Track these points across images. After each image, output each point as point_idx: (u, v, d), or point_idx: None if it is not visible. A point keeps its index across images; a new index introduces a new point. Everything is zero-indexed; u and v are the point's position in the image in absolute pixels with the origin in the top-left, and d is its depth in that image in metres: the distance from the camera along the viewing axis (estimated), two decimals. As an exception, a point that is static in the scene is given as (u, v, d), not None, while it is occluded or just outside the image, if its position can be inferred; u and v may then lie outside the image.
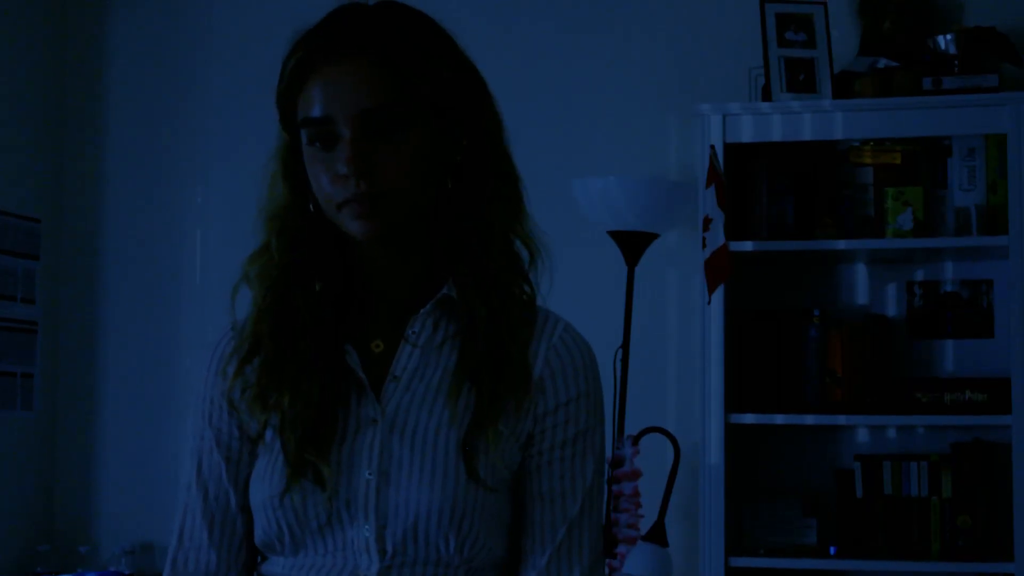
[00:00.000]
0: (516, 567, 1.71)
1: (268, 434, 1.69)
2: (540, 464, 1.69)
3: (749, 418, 3.89)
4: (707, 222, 3.74)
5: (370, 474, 1.64)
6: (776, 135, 3.90)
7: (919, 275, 4.11)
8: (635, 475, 3.84)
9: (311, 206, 1.68)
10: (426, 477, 1.63)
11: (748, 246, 3.92)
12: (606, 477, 3.81)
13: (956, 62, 3.87)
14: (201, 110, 4.63)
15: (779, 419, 3.91)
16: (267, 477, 1.67)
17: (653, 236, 3.99)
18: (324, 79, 1.63)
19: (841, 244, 3.91)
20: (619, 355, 3.93)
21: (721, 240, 3.72)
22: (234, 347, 1.73)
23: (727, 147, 3.88)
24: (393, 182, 1.62)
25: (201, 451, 1.74)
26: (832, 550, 3.89)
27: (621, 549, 3.81)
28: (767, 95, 3.95)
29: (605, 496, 1.78)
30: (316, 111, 1.62)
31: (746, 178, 4.01)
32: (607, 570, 3.81)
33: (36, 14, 4.66)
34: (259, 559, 1.75)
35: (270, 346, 1.68)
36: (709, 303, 3.83)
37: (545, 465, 1.69)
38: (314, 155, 1.64)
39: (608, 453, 3.83)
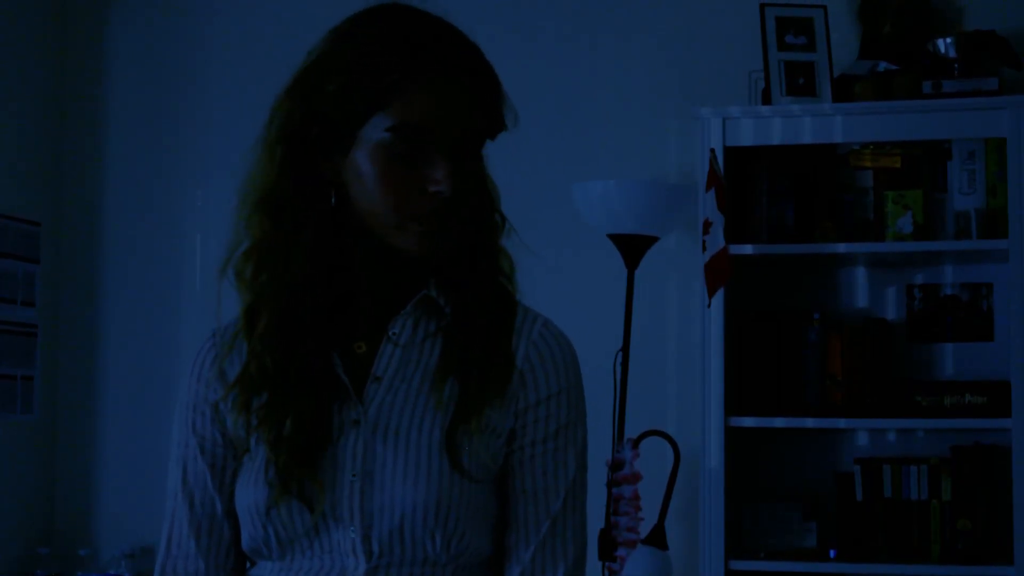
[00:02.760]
0: (503, 566, 1.71)
1: (252, 440, 1.68)
2: (522, 460, 1.69)
3: (749, 421, 3.89)
4: (707, 225, 3.74)
5: (354, 476, 1.64)
6: (776, 138, 3.90)
7: (919, 278, 4.11)
8: (635, 478, 3.84)
9: (333, 199, 1.65)
10: (410, 476, 1.63)
11: (748, 249, 3.92)
12: (606, 480, 3.81)
13: (956, 65, 3.87)
14: (201, 113, 4.63)
15: (779, 422, 3.91)
16: (251, 484, 1.67)
17: (653, 239, 3.99)
18: (437, 90, 1.61)
19: (841, 247, 3.91)
20: (619, 358, 3.93)
21: (721, 243, 3.72)
22: (216, 354, 1.74)
23: (727, 150, 3.88)
24: (463, 203, 1.64)
25: (186, 459, 1.74)
26: (832, 553, 3.89)
27: (621, 552, 3.81)
28: (767, 98, 3.95)
29: (590, 492, 1.77)
30: (421, 119, 1.60)
31: (746, 181, 4.02)
32: (607, 573, 3.80)
33: (36, 17, 4.66)
34: (248, 564, 1.75)
35: (267, 355, 1.66)
36: (709, 306, 3.83)
37: (527, 460, 1.69)
38: (392, 161, 1.62)
39: (608, 456, 3.84)
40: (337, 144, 1.64)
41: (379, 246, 1.66)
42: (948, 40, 3.89)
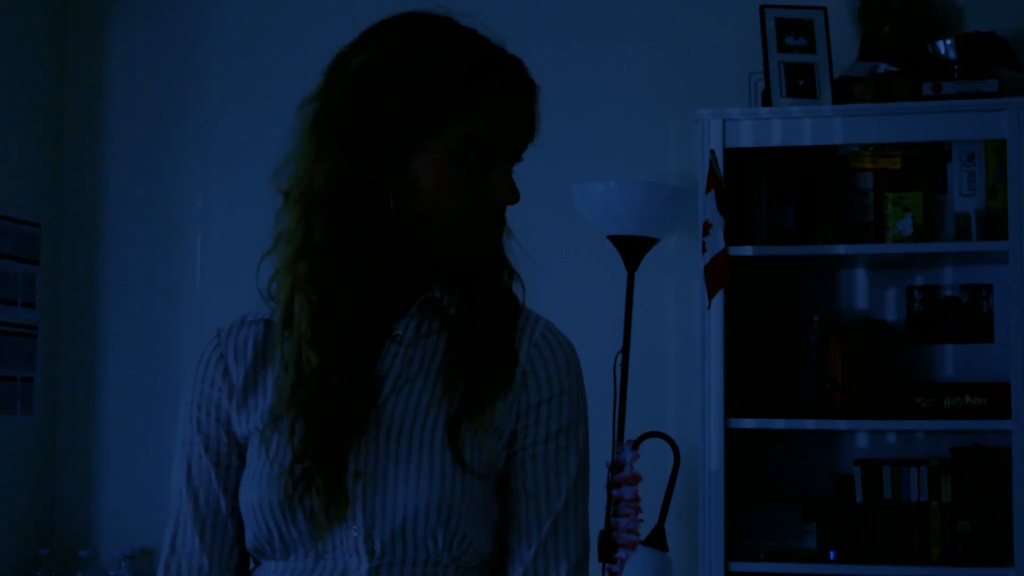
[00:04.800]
0: (504, 568, 1.72)
1: (256, 439, 1.69)
2: (524, 460, 1.70)
3: (749, 423, 3.90)
4: (707, 227, 3.74)
5: (357, 475, 1.64)
6: (776, 140, 3.90)
7: (919, 280, 4.11)
8: (635, 479, 3.84)
9: (391, 204, 1.64)
10: (412, 474, 1.64)
11: (748, 251, 3.92)
12: (606, 481, 3.81)
13: (956, 67, 3.87)
14: (201, 115, 4.63)
15: (779, 424, 3.91)
16: (257, 483, 1.68)
17: (653, 241, 3.99)
18: (510, 105, 1.67)
19: (841, 249, 3.91)
20: (619, 359, 3.93)
21: (721, 245, 3.72)
22: (221, 353, 1.74)
23: (727, 152, 3.88)
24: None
25: (190, 457, 1.75)
26: (832, 555, 3.89)
27: (621, 554, 3.81)
28: (767, 100, 3.96)
29: (590, 494, 1.78)
30: (496, 132, 1.65)
31: (746, 183, 4.02)
32: (607, 575, 3.80)
33: (36, 17, 4.66)
34: (251, 564, 1.75)
35: (313, 353, 1.64)
36: (709, 308, 3.83)
37: (529, 461, 1.70)
38: (459, 170, 1.64)
39: (608, 458, 3.84)
40: (395, 148, 1.64)
41: (414, 252, 1.67)
42: (948, 42, 3.89)
